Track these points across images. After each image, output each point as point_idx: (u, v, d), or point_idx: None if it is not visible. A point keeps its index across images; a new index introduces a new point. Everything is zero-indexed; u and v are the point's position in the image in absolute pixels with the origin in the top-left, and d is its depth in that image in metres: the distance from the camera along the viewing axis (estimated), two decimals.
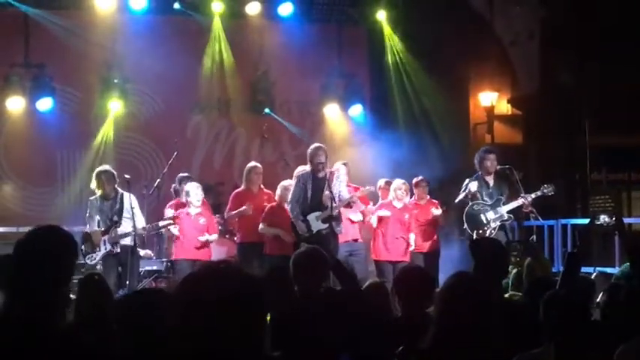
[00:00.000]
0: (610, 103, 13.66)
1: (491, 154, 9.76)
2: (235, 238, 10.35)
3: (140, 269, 10.31)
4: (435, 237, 10.46)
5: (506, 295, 5.81)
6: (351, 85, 13.63)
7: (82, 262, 8.90)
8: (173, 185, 10.78)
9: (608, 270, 9.21)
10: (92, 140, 12.65)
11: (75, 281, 5.44)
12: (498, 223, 9.52)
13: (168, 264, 10.39)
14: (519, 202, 9.47)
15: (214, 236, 9.76)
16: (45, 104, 12.16)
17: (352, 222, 9.80)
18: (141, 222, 9.35)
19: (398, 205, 10.06)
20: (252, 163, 10.40)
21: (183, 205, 9.79)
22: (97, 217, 9.30)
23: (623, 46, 13.47)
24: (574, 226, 11.43)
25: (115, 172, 9.47)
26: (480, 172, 9.76)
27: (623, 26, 13.39)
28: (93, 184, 9.43)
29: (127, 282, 9.00)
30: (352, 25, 14.00)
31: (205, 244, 9.61)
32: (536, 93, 14.62)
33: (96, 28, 12.41)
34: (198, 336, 2.09)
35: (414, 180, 10.55)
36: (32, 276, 2.92)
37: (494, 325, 3.12)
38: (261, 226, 9.65)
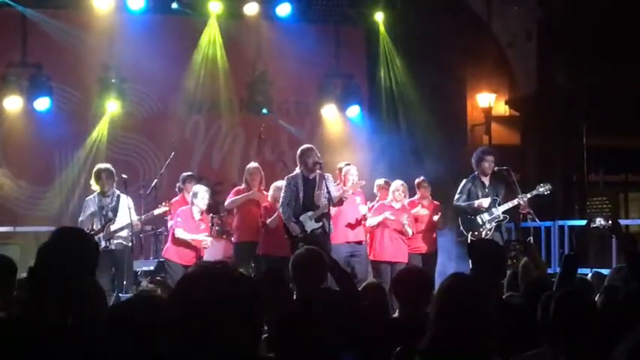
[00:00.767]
0: (608, 105, 13.67)
1: (490, 156, 9.75)
2: (232, 238, 10.34)
3: (137, 269, 10.32)
4: (434, 238, 10.45)
5: (503, 297, 5.81)
6: (348, 86, 13.63)
7: None
8: (177, 184, 10.79)
9: (605, 271, 9.21)
10: (91, 140, 12.64)
11: None
12: (494, 224, 9.52)
13: (163, 263, 10.35)
14: (515, 202, 9.48)
15: (208, 240, 9.66)
16: (42, 104, 12.14)
17: (357, 221, 9.78)
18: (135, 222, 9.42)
19: (396, 206, 10.05)
20: (253, 164, 10.40)
21: (187, 203, 9.80)
22: (94, 217, 9.33)
23: (620, 48, 13.49)
24: (571, 227, 11.44)
25: (114, 171, 9.53)
26: (476, 172, 9.76)
27: (620, 27, 13.40)
28: (92, 181, 9.48)
29: (124, 282, 9.01)
30: (350, 25, 14.00)
31: (197, 248, 9.59)
32: (533, 94, 14.64)
33: (93, 27, 12.39)
34: (194, 337, 2.09)
35: (416, 180, 10.53)
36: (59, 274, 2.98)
37: (491, 327, 3.13)
38: (268, 220, 9.62)
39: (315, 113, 13.77)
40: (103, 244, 9.11)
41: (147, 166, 13.00)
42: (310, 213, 9.10)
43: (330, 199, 9.00)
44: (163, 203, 9.96)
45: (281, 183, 9.71)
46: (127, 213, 9.29)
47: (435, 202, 10.56)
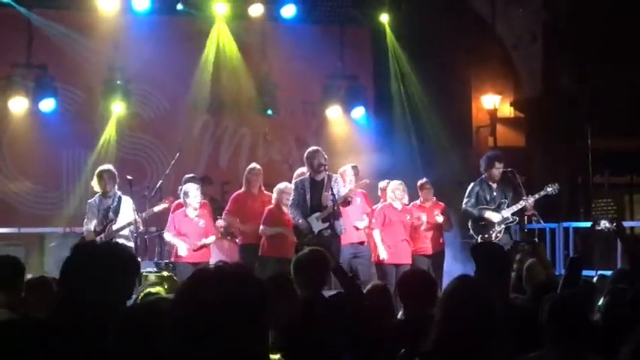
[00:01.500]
0: (613, 106, 13.65)
1: (500, 163, 9.73)
2: (237, 240, 10.34)
3: (141, 270, 10.31)
4: (441, 240, 10.40)
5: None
6: (353, 87, 13.61)
7: None
8: (180, 187, 10.78)
9: (610, 273, 9.20)
10: (96, 141, 12.62)
11: None
12: (503, 226, 9.53)
13: (170, 265, 10.37)
14: (521, 204, 9.49)
15: (212, 238, 9.73)
16: (47, 105, 12.14)
17: (358, 229, 9.82)
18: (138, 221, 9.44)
19: (398, 206, 10.03)
20: (251, 165, 10.43)
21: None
22: (94, 220, 9.35)
23: (625, 49, 13.46)
24: (576, 229, 11.42)
25: (116, 172, 9.53)
26: (484, 176, 9.76)
27: (625, 29, 13.38)
28: (94, 182, 9.49)
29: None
30: (355, 26, 13.99)
31: (204, 246, 9.60)
32: (538, 96, 14.62)
33: (98, 29, 12.39)
34: (198, 337, 2.08)
35: (419, 182, 10.50)
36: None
37: (496, 329, 3.12)
38: (261, 227, 9.67)
39: (320, 114, 13.76)
40: None
41: (154, 166, 13.01)
42: (317, 214, 9.13)
43: (334, 200, 9.01)
44: (164, 200, 9.97)
45: (284, 185, 9.74)
46: (128, 214, 9.30)
47: (440, 202, 10.55)
